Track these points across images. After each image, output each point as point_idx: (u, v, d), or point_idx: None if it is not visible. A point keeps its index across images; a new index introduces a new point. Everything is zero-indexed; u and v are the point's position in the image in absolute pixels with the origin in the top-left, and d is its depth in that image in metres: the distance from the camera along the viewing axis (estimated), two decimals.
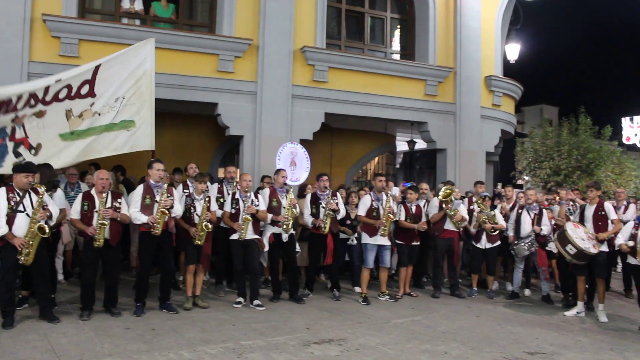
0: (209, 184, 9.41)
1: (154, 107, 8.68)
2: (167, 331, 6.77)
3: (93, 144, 8.49)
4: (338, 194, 9.56)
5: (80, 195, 7.58)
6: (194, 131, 13.92)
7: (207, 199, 8.14)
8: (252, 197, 8.52)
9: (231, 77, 11.62)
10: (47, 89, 8.37)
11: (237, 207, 8.42)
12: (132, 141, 8.58)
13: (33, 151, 8.32)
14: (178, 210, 7.86)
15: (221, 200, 9.00)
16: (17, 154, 8.28)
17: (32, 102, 8.33)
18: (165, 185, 7.75)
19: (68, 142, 8.39)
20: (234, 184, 8.75)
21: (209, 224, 8.01)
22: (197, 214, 8.08)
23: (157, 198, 7.62)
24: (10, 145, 8.27)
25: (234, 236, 8.39)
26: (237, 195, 8.50)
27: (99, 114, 8.46)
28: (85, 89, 8.49)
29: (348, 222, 9.89)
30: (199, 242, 8.00)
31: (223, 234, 8.66)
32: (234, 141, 12.76)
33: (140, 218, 7.55)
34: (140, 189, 7.80)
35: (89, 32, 10.51)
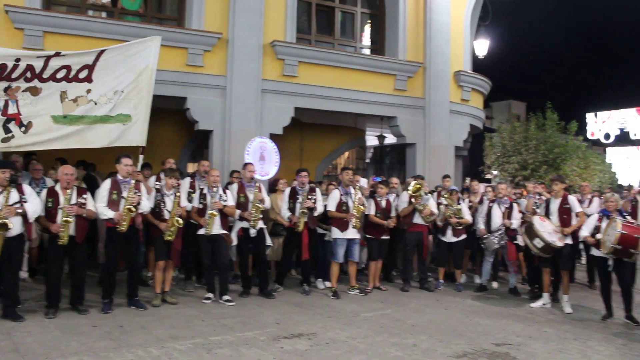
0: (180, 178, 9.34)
1: (151, 104, 8.58)
2: (136, 328, 6.71)
3: (86, 133, 8.36)
4: (317, 189, 9.54)
5: (44, 192, 7.46)
6: (162, 126, 13.72)
7: (177, 194, 8.06)
8: (221, 192, 8.47)
9: (200, 71, 11.51)
10: (45, 64, 8.18)
11: (205, 202, 8.37)
12: (125, 135, 8.48)
13: (23, 129, 8.17)
14: (145, 206, 7.79)
15: (192, 195, 8.93)
16: (6, 130, 8.11)
17: (29, 74, 8.15)
18: (133, 181, 7.65)
19: (60, 125, 8.23)
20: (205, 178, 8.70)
21: (179, 219, 7.94)
22: (167, 210, 8.00)
23: (125, 194, 7.53)
24: (1, 119, 8.08)
25: (201, 231, 8.34)
26: (205, 191, 8.44)
27: (95, 103, 8.32)
28: (83, 74, 8.35)
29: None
30: (170, 238, 7.93)
31: (192, 229, 8.59)
32: (203, 136, 12.66)
33: (107, 213, 7.46)
34: (107, 183, 7.70)
35: (53, 24, 10.28)
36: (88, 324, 6.80)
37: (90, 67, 8.35)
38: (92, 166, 11.36)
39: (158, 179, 8.81)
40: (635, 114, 20.82)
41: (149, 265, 9.48)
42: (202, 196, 8.43)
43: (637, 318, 7.95)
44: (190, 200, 8.67)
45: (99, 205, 7.50)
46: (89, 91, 8.32)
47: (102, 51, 8.40)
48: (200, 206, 8.40)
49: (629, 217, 8.50)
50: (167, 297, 8.12)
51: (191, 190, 9.04)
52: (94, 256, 10.15)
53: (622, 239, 7.49)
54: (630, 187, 22.31)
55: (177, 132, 13.98)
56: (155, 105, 8.69)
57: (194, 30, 11.41)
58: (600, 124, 21.02)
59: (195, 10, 11.51)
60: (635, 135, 21.12)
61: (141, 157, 8.24)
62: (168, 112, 12.98)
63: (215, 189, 8.42)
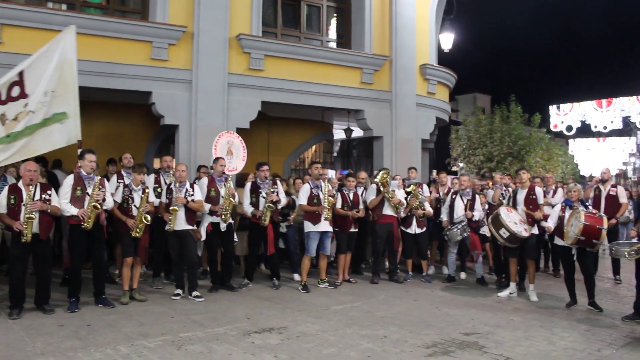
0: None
1: (78, 95, 8.36)
2: (103, 326, 6.61)
3: (30, 143, 8.10)
4: (279, 182, 9.53)
5: (6, 189, 7.28)
6: (127, 121, 13.56)
7: (145, 190, 7.95)
8: (188, 187, 8.38)
9: (165, 65, 11.35)
10: None
11: (171, 197, 8.28)
12: (66, 133, 8.25)
13: None
14: (110, 203, 7.69)
15: (158, 190, 8.84)
16: None
17: None
18: (98, 178, 7.52)
19: (4, 145, 7.97)
20: (171, 173, 8.60)
21: (147, 215, 7.84)
22: (135, 206, 7.90)
23: (89, 190, 7.39)
24: None
25: (167, 227, 8.25)
26: (172, 186, 8.35)
27: (33, 112, 8.08)
28: (15, 91, 8.06)
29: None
30: (137, 234, 7.83)
31: (160, 225, 8.49)
32: (169, 131, 12.50)
33: (70, 210, 7.32)
34: (70, 179, 7.55)
35: (12, 16, 9.98)
36: (54, 324, 6.67)
37: (20, 83, 8.10)
38: (59, 163, 11.14)
39: (120, 177, 8.68)
40: (595, 106, 21.25)
41: (116, 263, 9.34)
42: (169, 191, 8.34)
43: (599, 304, 8.16)
44: (157, 196, 8.57)
45: (62, 201, 7.35)
46: (26, 105, 8.10)
47: (22, 71, 8.17)
48: (167, 201, 8.32)
49: (591, 208, 8.70)
50: (136, 295, 8.02)
51: (156, 185, 8.95)
52: (61, 254, 9.97)
53: (585, 230, 7.65)
54: (591, 179, 22.81)
55: (142, 127, 13.78)
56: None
57: (158, 24, 11.23)
58: (563, 116, 21.44)
59: (160, 3, 11.32)
60: (595, 127, 21.60)
61: (79, 150, 8.04)
62: (133, 106, 12.81)
63: (182, 184, 8.32)
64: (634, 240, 7.69)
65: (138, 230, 7.82)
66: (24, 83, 8.07)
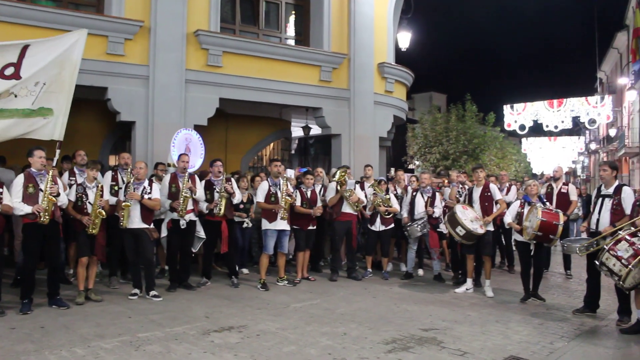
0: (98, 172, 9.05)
1: (72, 98, 8.18)
2: (58, 328, 6.45)
3: (10, 127, 7.85)
4: (232, 179, 9.48)
5: None
6: (82, 117, 13.18)
7: (99, 186, 7.80)
8: (146, 184, 8.25)
9: (121, 60, 11.14)
10: None
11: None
12: (43, 129, 8.01)
13: None
14: (64, 199, 7.51)
15: (115, 187, 8.67)
16: None
17: None
18: (50, 173, 7.34)
19: None
20: (129, 171, 8.45)
21: (103, 211, 7.69)
22: (89, 203, 7.73)
23: (42, 187, 7.21)
24: None
25: (120, 224, 8.11)
26: (130, 183, 8.21)
27: (15, 96, 7.82)
28: (9, 71, 7.80)
29: (241, 206, 9.85)
30: (93, 231, 7.66)
31: (116, 223, 8.34)
32: (125, 127, 12.27)
33: (24, 208, 7.11)
34: (20, 178, 7.32)
35: None
36: (5, 327, 6.46)
37: (16, 65, 7.87)
38: (2, 160, 10.79)
39: (72, 174, 8.49)
40: (547, 106, 21.77)
41: (71, 262, 9.13)
42: (127, 189, 8.19)
43: (552, 299, 8.39)
44: (114, 194, 8.42)
45: (14, 200, 7.13)
46: (14, 86, 7.88)
47: (27, 46, 7.95)
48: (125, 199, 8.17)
49: (548, 204, 8.93)
50: (92, 295, 7.86)
51: (113, 183, 8.80)
52: (12, 255, 9.68)
53: (542, 226, 7.86)
54: (542, 176, 23.40)
55: (97, 123, 13.50)
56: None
57: (114, 18, 11.02)
58: (516, 115, 21.86)
59: None
60: (547, 126, 22.08)
61: (58, 151, 7.85)
62: (88, 102, 12.50)
63: (140, 182, 8.19)
64: (584, 236, 7.92)
65: (94, 227, 7.66)
66: (21, 66, 7.82)
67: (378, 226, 10.25)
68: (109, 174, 8.97)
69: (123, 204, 7.99)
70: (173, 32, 11.59)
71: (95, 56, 10.80)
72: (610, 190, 7.46)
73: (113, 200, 8.32)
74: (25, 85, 7.84)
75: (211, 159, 9.80)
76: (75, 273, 8.30)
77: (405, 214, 10.23)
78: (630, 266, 6.06)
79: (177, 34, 11.65)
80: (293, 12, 14.81)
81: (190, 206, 8.72)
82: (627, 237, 6.27)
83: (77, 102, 12.58)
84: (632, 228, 6.45)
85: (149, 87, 11.39)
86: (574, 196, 10.57)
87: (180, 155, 9.02)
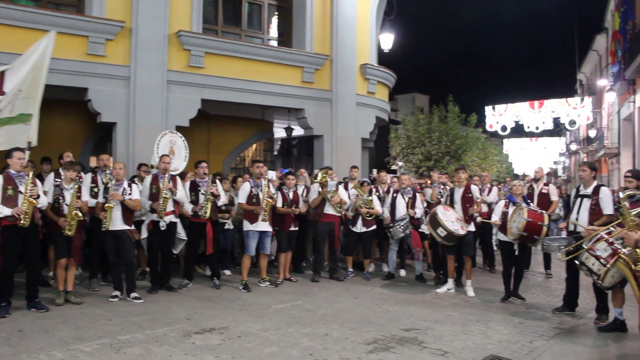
0: (82, 173, 8.98)
1: (41, 99, 8.07)
2: (37, 331, 6.38)
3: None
4: (217, 180, 9.46)
5: None
6: (62, 118, 13.14)
7: (77, 187, 7.72)
8: (125, 185, 8.19)
9: (102, 61, 11.07)
10: None
11: (108, 196, 8.07)
12: (29, 135, 7.90)
13: None
14: (43, 201, 7.43)
15: (95, 189, 8.61)
16: None
17: None
18: (30, 174, 7.26)
19: None
20: (107, 172, 8.39)
21: (79, 212, 7.61)
22: (66, 204, 7.65)
23: (21, 188, 7.13)
24: None
25: (103, 226, 8.05)
26: (109, 185, 8.15)
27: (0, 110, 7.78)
28: None
29: (223, 207, 9.83)
30: (69, 233, 7.58)
31: (96, 225, 8.27)
32: (106, 128, 12.19)
33: (3, 210, 7.02)
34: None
35: None
36: None
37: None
38: None
39: (57, 175, 8.39)
40: (528, 107, 21.98)
41: (51, 265, 9.05)
42: (106, 190, 8.12)
43: (532, 298, 8.47)
44: (93, 196, 8.35)
45: None
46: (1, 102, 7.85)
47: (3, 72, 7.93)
48: (104, 201, 8.10)
49: (533, 205, 9.02)
50: (71, 297, 7.78)
51: (93, 185, 8.73)
52: None
53: (527, 226, 7.94)
54: (524, 177, 23.56)
55: (78, 124, 13.40)
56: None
57: (95, 18, 10.94)
58: (498, 116, 22.03)
59: None
60: (528, 127, 22.31)
61: (27, 152, 7.74)
62: (68, 103, 12.43)
63: (119, 183, 8.13)
64: (564, 235, 8.00)
65: (69, 228, 7.58)
66: (4, 81, 7.83)
67: (359, 227, 10.28)
68: (88, 175, 8.90)
69: (105, 205, 7.93)
70: (155, 33, 11.54)
71: (76, 57, 10.72)
72: (589, 191, 7.56)
73: (93, 202, 8.25)
74: (9, 98, 7.80)
75: (193, 160, 9.77)
76: (54, 275, 8.21)
77: (386, 215, 10.26)
78: (608, 265, 6.13)
79: (159, 34, 11.60)
80: (275, 13, 14.81)
81: (170, 207, 8.68)
82: (606, 237, 6.34)
83: (57, 103, 12.58)
84: (611, 228, 6.53)
85: (130, 88, 11.32)
86: (554, 196, 10.68)
87: (161, 156, 8.98)
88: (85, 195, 8.03)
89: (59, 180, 8.04)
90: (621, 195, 6.11)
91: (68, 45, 10.63)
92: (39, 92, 7.91)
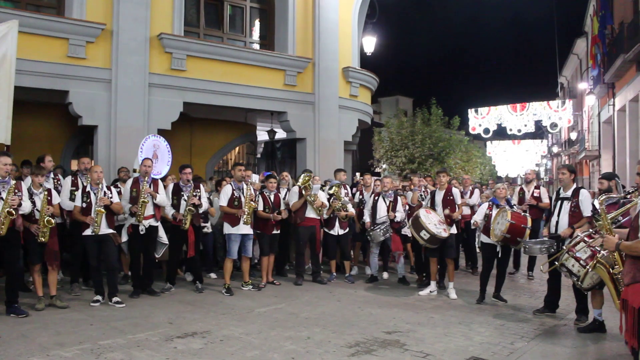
0: (60, 177, 8.91)
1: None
2: (16, 337, 6.29)
3: None
4: (202, 186, 9.41)
5: None
6: (43, 121, 13.01)
7: (46, 192, 7.60)
8: (105, 189, 8.12)
9: (83, 64, 11.00)
10: None
11: (89, 200, 8.00)
12: (1, 135, 7.71)
13: None
14: (27, 207, 7.31)
15: (75, 193, 8.52)
16: None
17: None
18: (13, 182, 7.16)
19: None
20: (87, 176, 8.32)
21: (51, 219, 7.52)
22: (37, 210, 7.52)
23: (3, 195, 7.03)
24: None
25: (88, 231, 7.96)
26: (88, 188, 8.07)
27: None
28: None
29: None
30: (43, 239, 7.48)
31: (77, 229, 8.20)
32: (87, 131, 12.09)
33: None
34: None
35: None
36: None
37: None
38: None
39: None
40: (510, 110, 22.13)
41: (30, 269, 8.94)
42: (86, 194, 8.05)
43: (515, 300, 8.53)
44: (73, 199, 8.27)
45: None
46: None
47: None
48: (84, 205, 8.02)
49: (516, 207, 9.09)
50: (57, 302, 7.69)
51: (73, 188, 8.65)
52: None
53: (511, 228, 8.00)
54: (508, 179, 23.68)
55: (58, 127, 13.29)
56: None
57: (75, 20, 10.87)
58: (480, 119, 22.13)
59: None
60: (510, 130, 22.45)
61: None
62: (49, 106, 12.32)
63: (99, 186, 8.06)
64: (545, 238, 8.08)
65: (42, 235, 7.48)
66: None
67: (337, 230, 10.31)
68: (68, 179, 8.82)
69: (97, 209, 7.85)
70: (136, 36, 11.49)
71: (56, 59, 10.65)
72: (569, 193, 7.64)
73: (71, 205, 8.16)
74: None
75: (175, 163, 9.73)
76: (34, 280, 8.11)
77: (367, 219, 10.28)
78: (587, 267, 6.19)
79: (140, 37, 11.54)
80: (258, 16, 14.80)
81: (150, 211, 8.63)
82: (586, 239, 6.41)
83: (38, 105, 12.49)
84: (591, 230, 6.60)
85: (111, 90, 11.25)
86: (546, 199, 10.81)
87: (143, 160, 8.93)
88: (57, 199, 7.89)
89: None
90: (596, 202, 6.19)
91: (48, 47, 10.55)
92: (8, 89, 7.72)
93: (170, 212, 8.99)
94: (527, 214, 8.56)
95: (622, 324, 4.41)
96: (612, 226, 4.91)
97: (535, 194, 10.85)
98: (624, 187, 7.80)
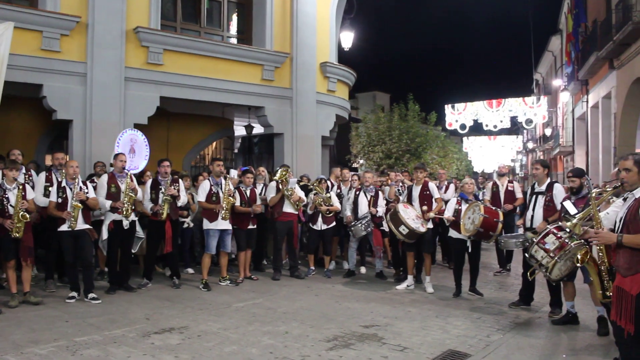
0: (32, 172, 8.78)
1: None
2: None
3: None
4: (181, 181, 9.34)
5: None
6: (16, 115, 12.78)
7: (20, 187, 7.49)
8: (80, 184, 8.02)
9: (57, 57, 10.83)
10: None
11: (64, 195, 7.90)
12: None
13: None
14: None
15: (50, 189, 8.41)
16: None
17: None
18: None
19: None
20: (62, 171, 8.21)
21: (26, 213, 7.41)
22: (11, 205, 7.40)
23: None
24: None
25: (64, 227, 7.86)
26: (63, 184, 7.97)
27: None
28: None
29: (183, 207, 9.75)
30: (17, 235, 7.38)
31: (52, 225, 8.09)
32: (62, 126, 11.93)
33: None
34: None
35: None
36: None
37: None
38: None
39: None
40: (486, 106, 22.33)
41: (3, 266, 8.81)
42: (61, 189, 7.95)
43: (491, 293, 8.62)
44: (47, 195, 8.15)
45: None
46: None
47: None
48: (60, 200, 7.92)
49: (484, 201, 9.16)
50: (30, 298, 7.59)
51: (47, 184, 8.52)
52: None
53: (484, 222, 8.08)
54: (483, 174, 23.95)
55: (32, 121, 13.08)
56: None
57: (49, 12, 10.69)
58: (457, 115, 22.30)
59: None
60: (486, 126, 22.66)
61: None
62: (21, 100, 12.10)
63: (75, 181, 7.96)
64: (520, 231, 8.18)
65: (17, 230, 7.37)
66: None
67: (320, 225, 10.33)
68: (42, 174, 8.68)
69: (74, 204, 7.76)
70: (112, 29, 11.35)
71: (29, 52, 10.48)
72: (543, 188, 7.75)
73: (45, 201, 8.05)
74: None
75: (152, 158, 9.66)
76: (7, 277, 8.00)
77: (348, 213, 10.31)
78: (556, 258, 6.28)
79: (116, 30, 11.40)
80: (235, 10, 14.72)
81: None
82: (555, 231, 6.49)
83: (10, 99, 12.20)
84: (560, 222, 6.69)
85: (86, 84, 11.10)
86: (519, 193, 10.93)
87: (117, 155, 8.83)
88: (31, 194, 7.78)
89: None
90: (568, 208, 6.26)
91: (21, 40, 10.35)
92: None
93: (148, 206, 8.93)
94: (499, 209, 8.66)
95: (614, 311, 4.51)
96: (599, 220, 4.93)
97: (509, 188, 10.97)
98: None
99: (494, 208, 8.54)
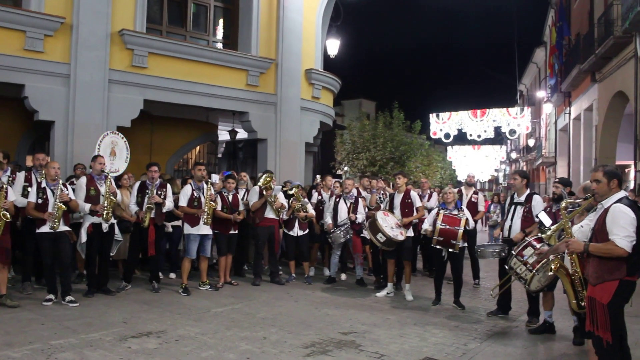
0: (18, 174, 8.70)
1: None
2: None
3: None
4: (169, 186, 9.29)
5: None
6: None
7: (3, 187, 7.43)
8: (61, 185, 7.96)
9: (41, 57, 10.76)
10: None
11: (44, 197, 7.83)
12: None
13: None
14: None
15: (28, 189, 8.33)
16: None
17: None
18: None
19: None
20: (42, 172, 8.15)
21: (7, 213, 7.34)
22: None
23: None
24: None
25: (44, 228, 7.79)
26: (43, 184, 7.91)
27: None
28: None
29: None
30: None
31: (29, 226, 8.02)
32: (44, 127, 11.84)
33: None
34: None
35: None
36: None
37: None
38: None
39: None
40: (470, 116, 22.50)
41: None
42: (41, 190, 7.88)
43: (468, 302, 8.67)
44: (25, 195, 8.08)
45: None
46: None
47: None
48: (40, 201, 7.85)
49: (465, 210, 9.15)
50: (6, 301, 7.50)
51: (27, 184, 8.44)
52: None
53: (442, 231, 8.14)
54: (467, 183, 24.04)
55: (13, 121, 12.98)
56: None
57: (33, 12, 10.63)
58: (441, 124, 22.43)
59: None
60: (471, 135, 22.83)
61: None
62: (2, 100, 12.02)
63: (55, 183, 7.91)
64: (499, 241, 8.23)
65: None
66: None
67: (296, 231, 10.36)
68: (21, 174, 8.60)
69: (57, 204, 7.69)
70: (96, 30, 11.30)
71: (12, 51, 10.41)
72: (522, 198, 7.80)
73: (24, 201, 7.98)
74: None
75: (135, 161, 9.61)
76: None
77: (329, 220, 10.33)
78: (534, 271, 6.34)
79: (101, 32, 11.36)
80: (222, 15, 14.73)
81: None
82: (534, 243, 6.56)
83: None
84: (539, 234, 6.75)
85: (69, 86, 11.05)
86: (481, 207, 11.02)
87: (96, 157, 8.76)
88: (12, 195, 7.73)
89: None
90: (543, 220, 6.34)
91: (4, 39, 10.31)
92: None
93: (134, 209, 8.90)
94: (462, 216, 8.59)
95: (589, 321, 4.58)
96: (570, 230, 5.04)
97: (472, 199, 11.03)
98: (572, 193, 7.99)
99: (458, 216, 8.52)
